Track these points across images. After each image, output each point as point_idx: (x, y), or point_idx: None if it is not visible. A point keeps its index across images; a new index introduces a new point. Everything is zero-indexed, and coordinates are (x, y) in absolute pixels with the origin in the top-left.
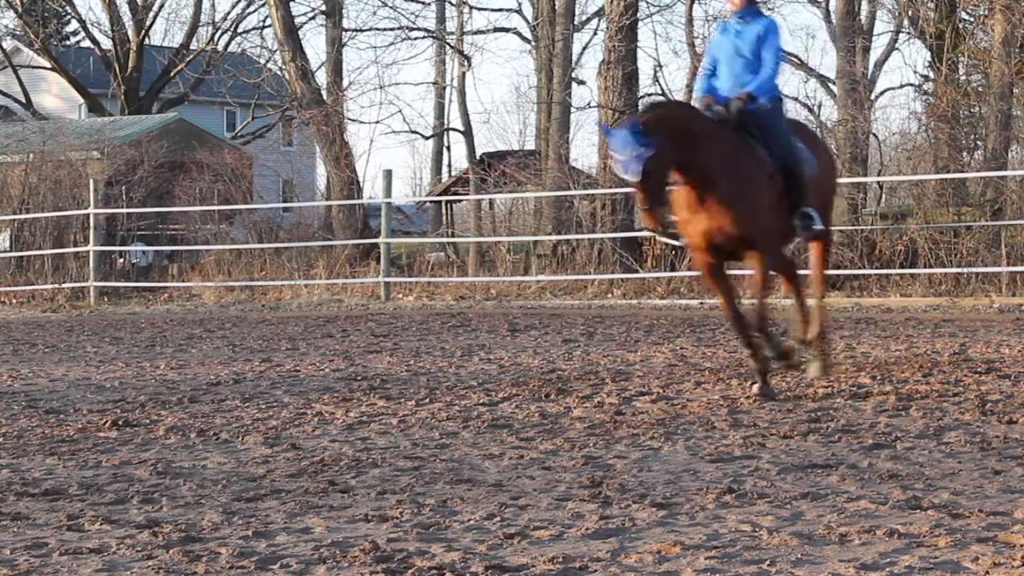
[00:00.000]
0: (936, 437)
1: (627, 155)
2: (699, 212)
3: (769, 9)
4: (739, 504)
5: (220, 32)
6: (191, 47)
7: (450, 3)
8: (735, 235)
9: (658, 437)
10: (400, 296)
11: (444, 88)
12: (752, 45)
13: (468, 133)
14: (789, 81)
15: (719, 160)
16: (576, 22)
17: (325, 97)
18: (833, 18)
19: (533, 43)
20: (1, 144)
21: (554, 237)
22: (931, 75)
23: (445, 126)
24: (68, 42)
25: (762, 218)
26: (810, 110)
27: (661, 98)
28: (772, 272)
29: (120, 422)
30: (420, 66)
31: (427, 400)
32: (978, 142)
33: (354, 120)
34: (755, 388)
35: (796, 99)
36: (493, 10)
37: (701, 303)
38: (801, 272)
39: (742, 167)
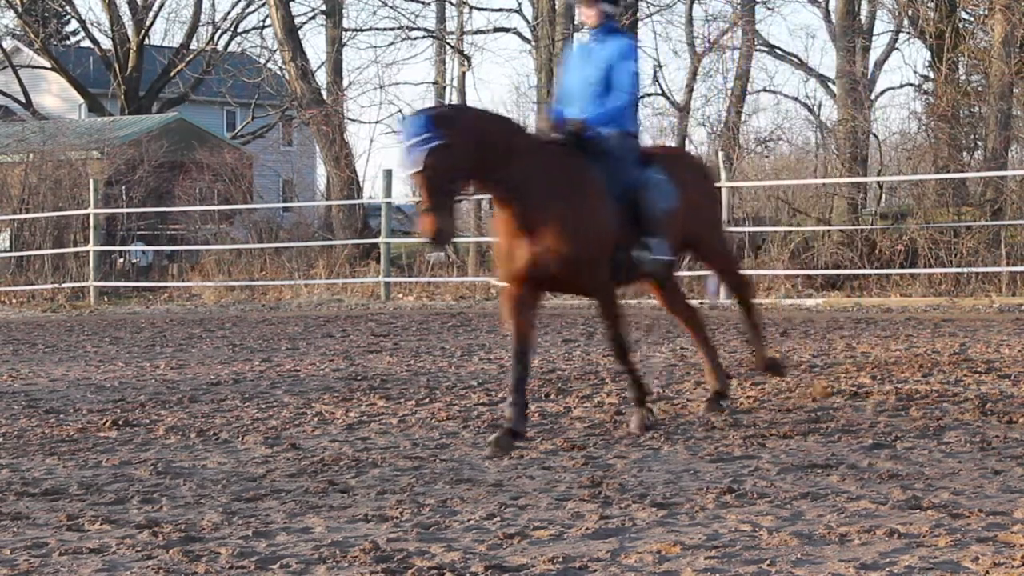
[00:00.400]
0: (936, 437)
1: (411, 142)
2: (518, 237)
3: (769, 9)
4: (739, 504)
5: (220, 32)
6: (191, 47)
7: (450, 3)
8: (559, 265)
9: (658, 437)
10: (400, 296)
11: (444, 88)
12: (603, 70)
13: None
14: (789, 81)
15: (542, 178)
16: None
17: (325, 97)
18: (833, 18)
19: (533, 43)
20: (1, 144)
21: None
22: (931, 75)
23: None
24: (68, 42)
25: (593, 248)
26: (810, 110)
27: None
28: (613, 300)
29: (120, 422)
30: (420, 66)
31: (427, 400)
32: (978, 142)
33: (354, 120)
34: (495, 437)
35: (796, 99)
36: (493, 10)
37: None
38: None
39: (572, 189)
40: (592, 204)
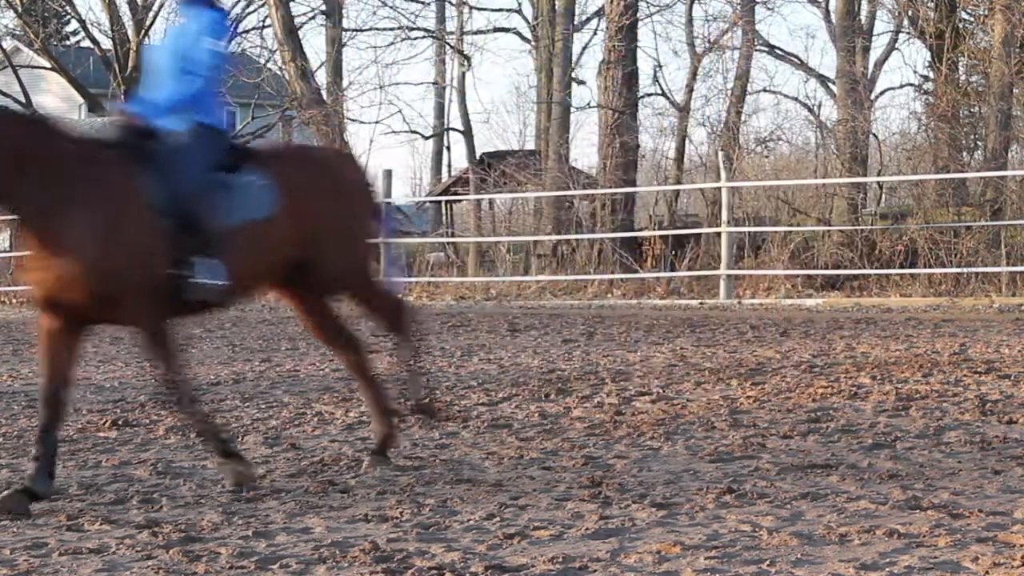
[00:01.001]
0: (936, 437)
1: None
2: (40, 256)
3: (769, 9)
4: (739, 504)
5: None
6: None
7: (450, 3)
8: (77, 292)
9: (658, 437)
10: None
11: (444, 88)
12: (181, 49)
13: (468, 133)
14: (789, 81)
15: (64, 190)
16: (576, 22)
17: (325, 97)
18: (833, 18)
19: (533, 43)
20: None
21: (554, 237)
22: (931, 75)
23: (445, 126)
24: (68, 42)
25: (119, 273)
26: (810, 110)
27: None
28: (159, 334)
29: (120, 422)
30: (420, 66)
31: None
32: (978, 142)
33: (354, 120)
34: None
35: (796, 99)
36: (493, 10)
37: (701, 303)
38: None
39: (99, 202)
40: (122, 219)
